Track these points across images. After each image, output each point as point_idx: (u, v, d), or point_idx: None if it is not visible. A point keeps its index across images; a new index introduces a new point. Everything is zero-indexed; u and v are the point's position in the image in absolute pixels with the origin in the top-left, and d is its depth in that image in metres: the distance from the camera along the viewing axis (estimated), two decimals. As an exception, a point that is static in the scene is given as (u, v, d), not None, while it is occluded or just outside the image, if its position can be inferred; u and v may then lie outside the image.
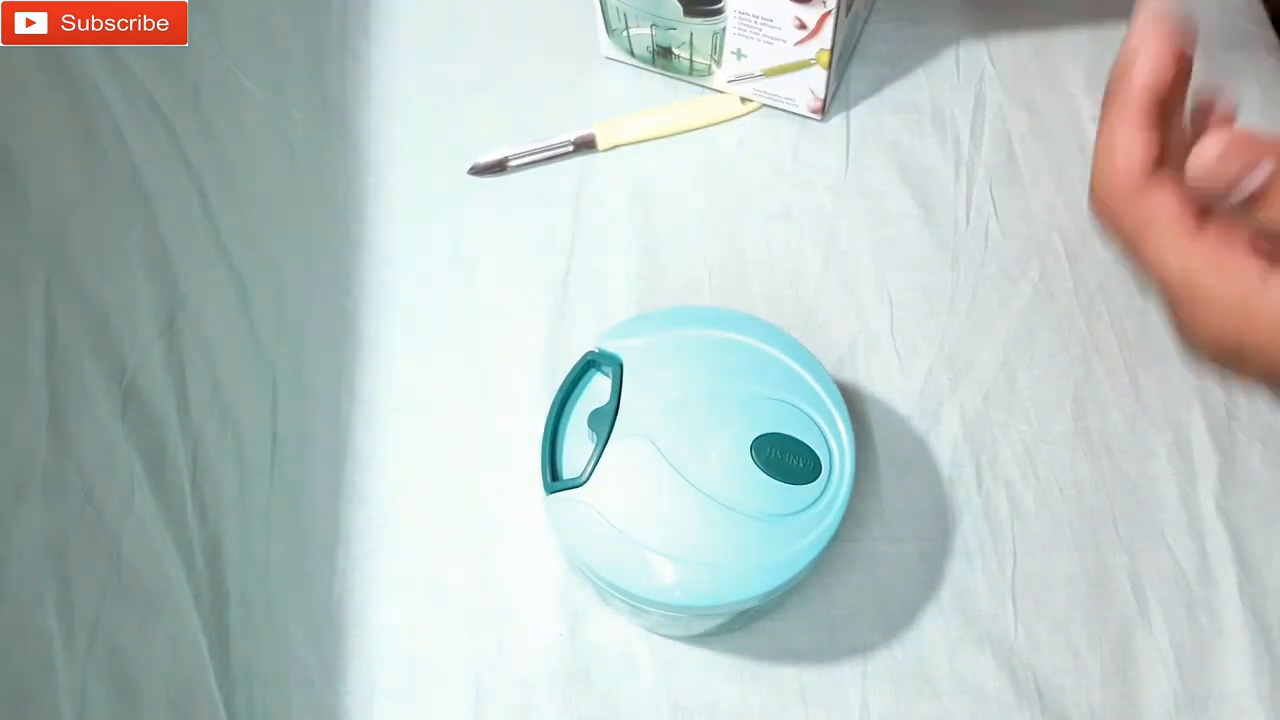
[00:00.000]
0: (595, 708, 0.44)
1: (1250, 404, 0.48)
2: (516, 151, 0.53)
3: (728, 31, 0.50)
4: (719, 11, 0.49)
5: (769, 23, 0.49)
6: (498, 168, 0.53)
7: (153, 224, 0.52)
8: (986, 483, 0.47)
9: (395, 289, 0.51)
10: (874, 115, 0.55)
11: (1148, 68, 0.28)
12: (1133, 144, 0.28)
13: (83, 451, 0.47)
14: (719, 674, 0.44)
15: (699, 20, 0.50)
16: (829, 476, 0.37)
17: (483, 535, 0.46)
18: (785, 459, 0.37)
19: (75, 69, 0.55)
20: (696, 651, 0.44)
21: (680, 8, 0.49)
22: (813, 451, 0.37)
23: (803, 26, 0.48)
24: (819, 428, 0.38)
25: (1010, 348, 0.49)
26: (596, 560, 0.37)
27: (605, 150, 0.54)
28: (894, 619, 0.45)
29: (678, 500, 0.36)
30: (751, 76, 0.53)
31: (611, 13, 0.52)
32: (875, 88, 0.55)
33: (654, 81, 0.56)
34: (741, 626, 0.44)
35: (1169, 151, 0.28)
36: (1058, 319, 0.50)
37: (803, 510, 0.37)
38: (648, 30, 0.52)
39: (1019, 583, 0.45)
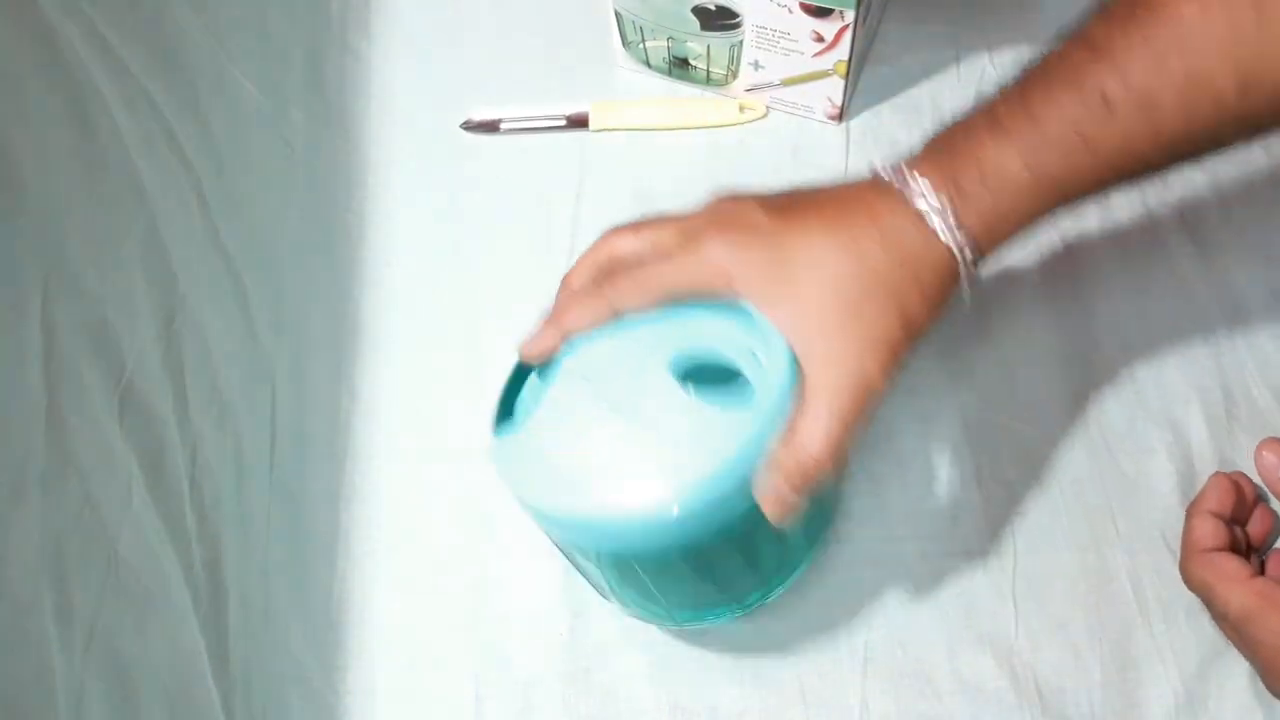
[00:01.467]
0: (595, 708, 0.43)
1: (1250, 404, 0.48)
2: (510, 115, 0.53)
3: (745, 44, 0.50)
4: (736, 26, 0.49)
5: (786, 35, 0.49)
6: (490, 127, 0.53)
7: (152, 224, 0.52)
8: (986, 483, 0.47)
9: (395, 289, 0.51)
10: (874, 115, 0.55)
11: (1214, 492, 0.44)
12: (1203, 528, 0.43)
13: (81, 452, 0.47)
14: (719, 674, 0.44)
15: (716, 34, 0.50)
16: (761, 376, 0.36)
17: (483, 535, 0.46)
18: (712, 372, 0.36)
19: (74, 69, 0.55)
20: (696, 651, 0.44)
21: (697, 22, 0.50)
22: (735, 361, 0.36)
23: (820, 39, 0.48)
24: (746, 346, 0.36)
25: (1010, 348, 0.49)
26: (546, 504, 0.36)
27: (597, 131, 0.54)
28: (894, 619, 0.45)
29: (611, 431, 0.36)
30: (769, 85, 0.53)
31: (628, 26, 0.52)
32: (875, 87, 0.55)
33: (658, 87, 0.56)
34: (731, 609, 0.42)
35: (1234, 546, 0.43)
36: (1058, 319, 0.50)
37: (740, 410, 0.35)
38: (664, 43, 0.52)
39: (1019, 583, 0.45)
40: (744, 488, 0.35)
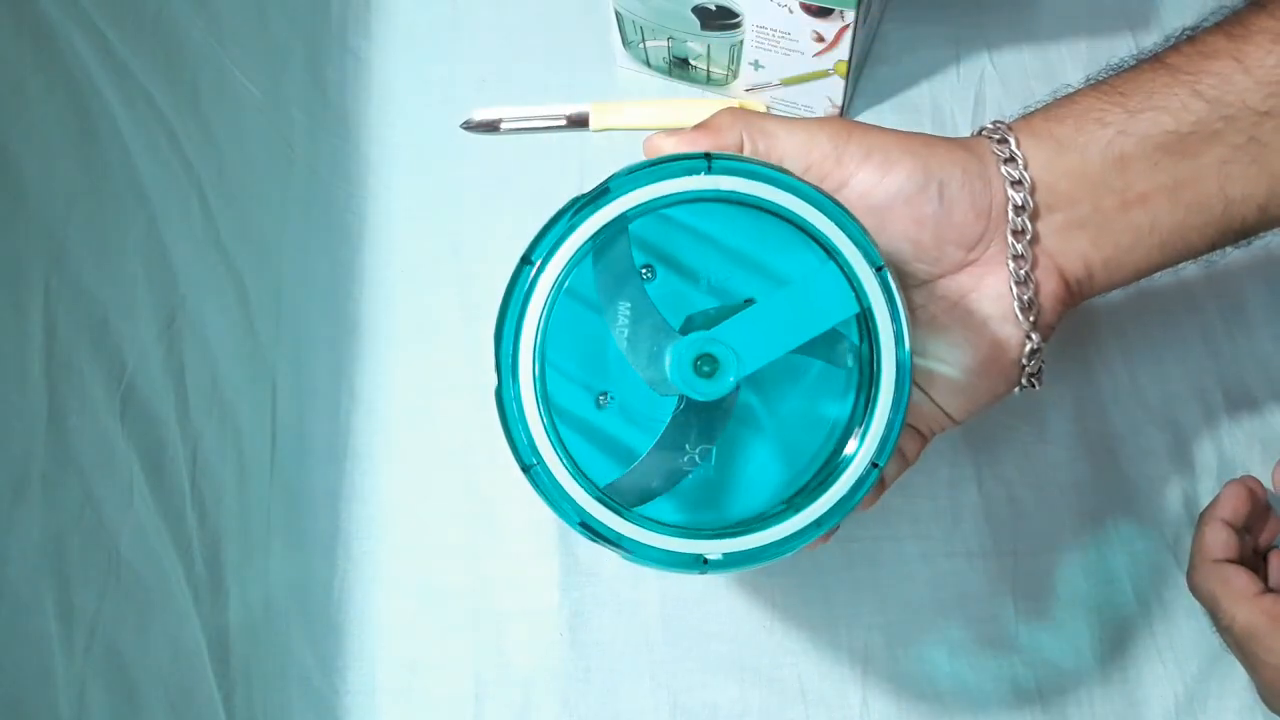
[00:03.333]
0: (595, 708, 0.44)
1: (1250, 404, 0.48)
2: (510, 115, 0.53)
3: (745, 44, 0.50)
4: (737, 26, 0.49)
5: (786, 35, 0.49)
6: (491, 127, 0.53)
7: (152, 224, 0.52)
8: (986, 483, 0.47)
9: (395, 289, 0.51)
10: (874, 115, 0.55)
11: (1229, 501, 0.43)
12: (1215, 537, 0.42)
13: (82, 452, 0.47)
14: (719, 674, 0.44)
15: (716, 34, 0.50)
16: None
17: (483, 535, 0.46)
18: None
19: (75, 69, 0.55)
20: (697, 651, 0.44)
21: (697, 22, 0.50)
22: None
23: (820, 39, 0.48)
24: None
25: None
26: None
27: (597, 131, 0.54)
28: (894, 619, 0.45)
29: None
30: (769, 85, 0.53)
31: (628, 26, 0.52)
32: (875, 87, 0.55)
33: (658, 87, 0.56)
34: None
35: (1243, 556, 0.42)
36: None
37: None
38: (664, 43, 0.52)
39: (1019, 583, 0.45)
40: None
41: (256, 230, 0.52)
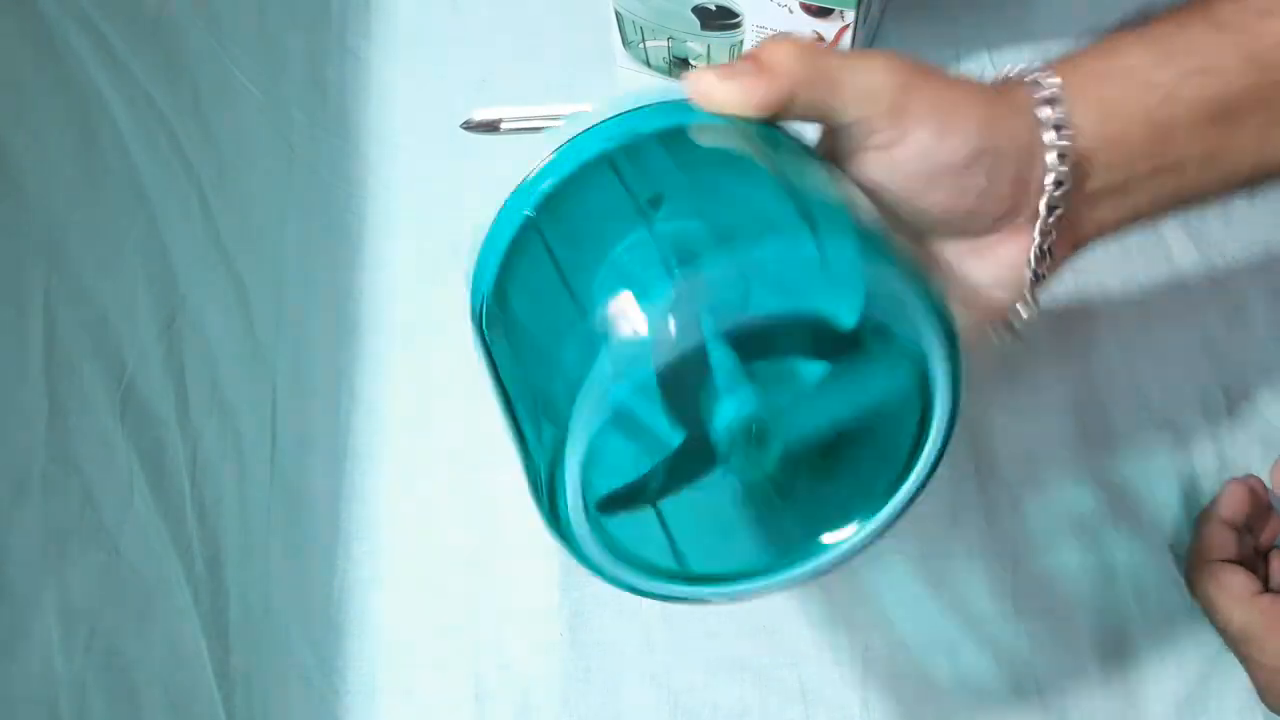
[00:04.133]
0: (595, 708, 0.44)
1: (1250, 404, 0.48)
2: (510, 115, 0.53)
3: (745, 44, 0.50)
4: (737, 26, 0.49)
5: (787, 36, 0.49)
6: (491, 127, 0.52)
7: (152, 224, 0.52)
8: (986, 483, 0.47)
9: (395, 289, 0.51)
10: (874, 115, 0.55)
11: (1229, 501, 0.43)
12: (1215, 536, 0.42)
13: (82, 452, 0.47)
14: (719, 674, 0.44)
15: (716, 34, 0.50)
16: None
17: (483, 535, 0.46)
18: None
19: (74, 69, 0.55)
20: (697, 651, 0.44)
21: (697, 22, 0.50)
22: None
23: (820, 39, 0.48)
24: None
25: (1010, 348, 0.49)
26: None
27: (598, 128, 0.54)
28: (894, 619, 0.45)
29: None
30: None
31: (628, 26, 0.52)
32: (875, 88, 0.55)
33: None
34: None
35: (1244, 556, 0.43)
36: (1058, 319, 0.50)
37: None
38: (664, 43, 0.52)
39: (1019, 583, 0.45)
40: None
41: (256, 230, 0.52)
